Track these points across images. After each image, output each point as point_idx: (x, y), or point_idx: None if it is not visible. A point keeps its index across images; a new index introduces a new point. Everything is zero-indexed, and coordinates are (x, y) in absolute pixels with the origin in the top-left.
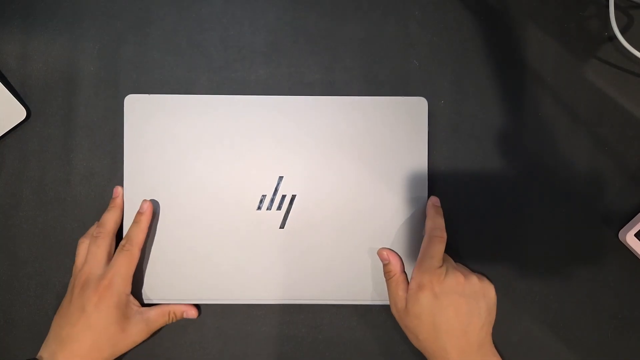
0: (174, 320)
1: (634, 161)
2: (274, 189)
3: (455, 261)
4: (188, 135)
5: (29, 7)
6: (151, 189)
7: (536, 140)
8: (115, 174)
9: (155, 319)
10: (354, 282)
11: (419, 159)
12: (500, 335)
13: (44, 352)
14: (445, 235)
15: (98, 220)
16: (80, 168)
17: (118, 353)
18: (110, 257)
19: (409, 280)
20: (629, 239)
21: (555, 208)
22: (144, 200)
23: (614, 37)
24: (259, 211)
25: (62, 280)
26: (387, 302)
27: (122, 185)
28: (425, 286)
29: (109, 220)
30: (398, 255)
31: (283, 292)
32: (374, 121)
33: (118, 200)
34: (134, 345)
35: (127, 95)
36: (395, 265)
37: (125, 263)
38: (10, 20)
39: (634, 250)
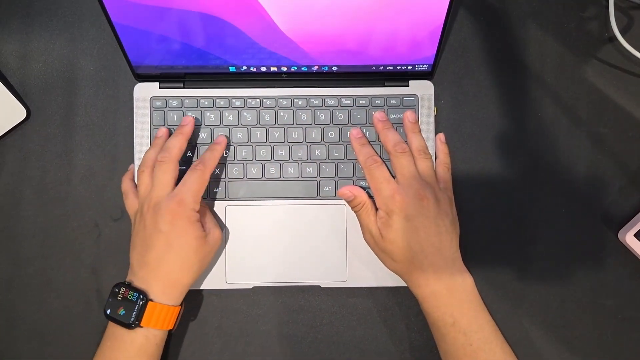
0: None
1: (633, 161)
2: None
3: None
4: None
5: (29, 7)
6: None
7: (536, 140)
8: (115, 174)
9: (212, 215)
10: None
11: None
12: None
13: (134, 278)
14: (378, 158)
15: (140, 157)
16: (80, 168)
17: (205, 265)
18: (175, 183)
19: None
20: (629, 239)
21: (555, 208)
22: (220, 135)
23: (614, 38)
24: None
25: (63, 279)
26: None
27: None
28: (394, 211)
29: (175, 146)
30: (359, 187)
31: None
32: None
33: (187, 128)
34: (214, 253)
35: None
36: (361, 196)
37: (197, 181)
38: (10, 20)
39: (633, 250)
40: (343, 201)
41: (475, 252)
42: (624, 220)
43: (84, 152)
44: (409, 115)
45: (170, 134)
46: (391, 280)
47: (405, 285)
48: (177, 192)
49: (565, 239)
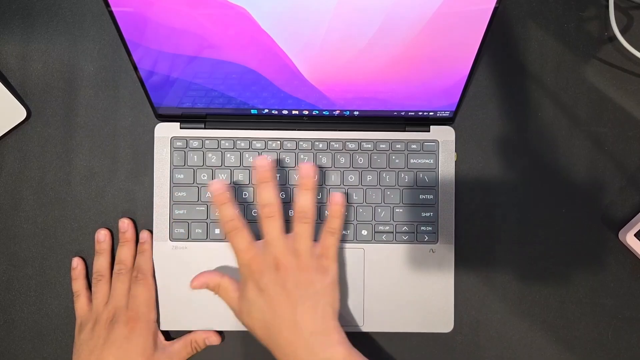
0: (197, 351)
1: (633, 161)
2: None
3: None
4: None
5: (29, 7)
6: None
7: (536, 140)
8: (115, 175)
9: (178, 351)
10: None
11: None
12: (501, 335)
13: None
14: (238, 223)
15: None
16: (80, 168)
17: None
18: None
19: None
20: (629, 239)
21: (555, 208)
22: (142, 230)
23: (614, 38)
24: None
25: (63, 281)
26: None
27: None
28: (248, 280)
29: (131, 256)
30: (207, 271)
31: None
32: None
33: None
34: None
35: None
36: (213, 279)
37: (144, 291)
38: (10, 20)
39: (634, 250)
40: (361, 245)
41: (475, 252)
42: (624, 220)
43: (84, 152)
44: (302, 167)
45: (112, 235)
46: (408, 325)
47: (423, 331)
48: (130, 306)
49: (565, 239)
